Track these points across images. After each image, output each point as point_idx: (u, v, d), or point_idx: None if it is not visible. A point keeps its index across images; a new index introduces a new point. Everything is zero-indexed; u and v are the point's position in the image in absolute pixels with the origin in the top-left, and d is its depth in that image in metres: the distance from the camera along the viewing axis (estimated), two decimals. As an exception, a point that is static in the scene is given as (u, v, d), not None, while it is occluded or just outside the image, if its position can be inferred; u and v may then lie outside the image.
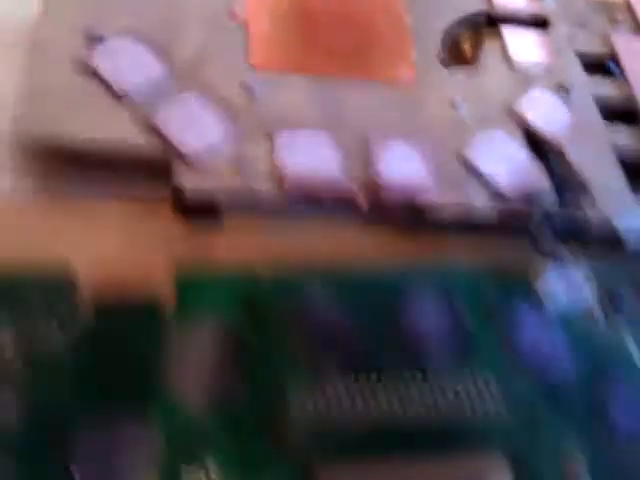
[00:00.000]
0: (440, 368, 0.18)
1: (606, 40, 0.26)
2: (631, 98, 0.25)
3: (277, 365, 0.17)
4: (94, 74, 0.21)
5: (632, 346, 0.19)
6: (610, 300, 0.20)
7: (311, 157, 0.20)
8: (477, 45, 0.26)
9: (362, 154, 0.21)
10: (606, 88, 0.25)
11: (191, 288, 0.18)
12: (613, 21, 0.27)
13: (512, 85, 0.24)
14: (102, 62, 0.21)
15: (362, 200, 0.20)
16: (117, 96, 0.20)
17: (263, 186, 0.20)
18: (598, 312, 0.20)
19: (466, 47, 0.26)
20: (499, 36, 0.26)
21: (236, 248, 0.20)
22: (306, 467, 0.16)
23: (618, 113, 0.25)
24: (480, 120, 0.23)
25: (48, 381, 0.16)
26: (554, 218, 0.21)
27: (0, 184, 0.20)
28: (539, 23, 0.26)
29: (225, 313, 0.18)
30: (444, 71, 0.24)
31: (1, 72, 0.21)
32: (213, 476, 0.16)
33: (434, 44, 0.25)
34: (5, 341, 0.16)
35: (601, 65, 0.26)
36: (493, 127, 0.23)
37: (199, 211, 0.20)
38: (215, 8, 0.23)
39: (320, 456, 0.16)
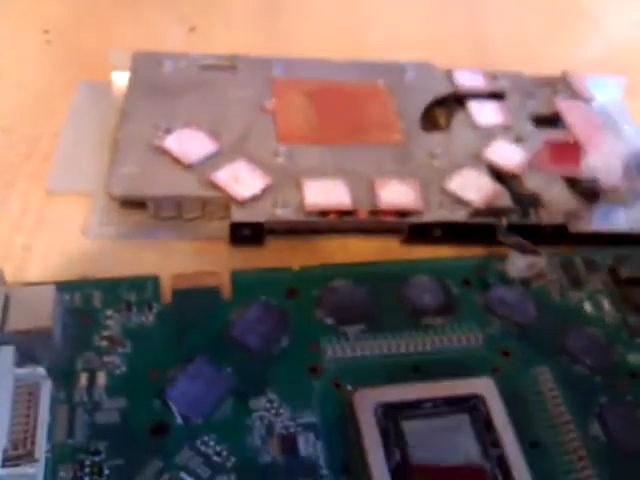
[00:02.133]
0: (435, 323, 0.24)
1: (550, 104, 0.34)
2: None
3: (309, 324, 0.24)
4: (166, 153, 0.29)
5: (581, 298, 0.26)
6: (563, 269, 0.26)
7: (328, 195, 0.28)
8: (449, 116, 0.34)
9: (368, 191, 0.28)
10: (553, 136, 0.33)
11: (243, 282, 0.25)
12: (555, 91, 0.35)
13: (478, 140, 0.32)
14: (172, 145, 0.29)
15: (363, 213, 0.27)
16: (184, 166, 0.28)
17: (292, 215, 0.27)
18: (552, 276, 0.26)
19: (441, 119, 0.34)
20: (465, 108, 0.34)
21: (276, 259, 0.27)
22: (340, 391, 0.22)
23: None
24: (455, 166, 0.30)
25: (144, 344, 0.23)
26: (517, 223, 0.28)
27: (106, 231, 0.27)
28: (496, 97, 0.35)
29: (270, 296, 0.25)
30: (425, 134, 0.32)
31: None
32: (275, 403, 0.22)
33: (416, 118, 0.33)
34: (113, 323, 0.23)
35: (548, 122, 0.34)
36: (466, 169, 0.30)
37: (249, 238, 0.27)
38: (251, 104, 0.32)
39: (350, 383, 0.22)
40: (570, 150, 0.31)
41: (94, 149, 0.31)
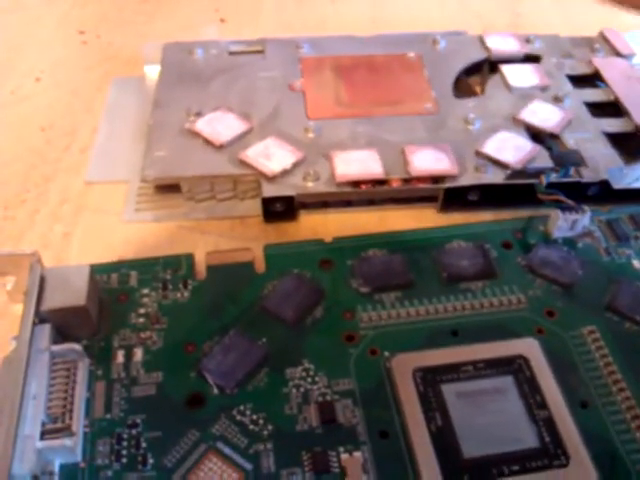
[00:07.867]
0: (474, 287, 0.24)
1: (589, 64, 0.33)
2: (613, 99, 0.31)
3: (344, 294, 0.24)
4: (197, 136, 0.29)
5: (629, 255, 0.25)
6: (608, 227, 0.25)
7: (359, 165, 0.27)
8: (484, 83, 0.33)
9: (400, 160, 0.28)
10: (593, 95, 0.31)
11: (275, 255, 0.25)
12: (593, 50, 0.34)
13: (514, 103, 0.31)
14: (203, 127, 0.29)
15: (396, 182, 0.26)
16: (216, 147, 0.28)
17: (323, 188, 0.27)
18: (598, 234, 0.25)
19: (475, 86, 0.33)
20: (500, 73, 0.33)
21: (310, 233, 0.26)
22: (377, 357, 0.22)
23: (605, 110, 0.31)
24: (490, 130, 0.29)
25: (180, 319, 0.23)
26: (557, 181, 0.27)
27: (142, 216, 0.28)
28: (532, 60, 0.33)
29: (304, 268, 0.24)
30: (458, 101, 0.31)
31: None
32: (310, 372, 0.21)
33: (449, 86, 0.32)
34: (149, 300, 0.23)
35: (587, 81, 0.32)
36: (502, 131, 0.29)
37: (281, 214, 0.27)
38: (280, 84, 0.32)
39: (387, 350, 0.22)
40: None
41: (130, 140, 0.31)
